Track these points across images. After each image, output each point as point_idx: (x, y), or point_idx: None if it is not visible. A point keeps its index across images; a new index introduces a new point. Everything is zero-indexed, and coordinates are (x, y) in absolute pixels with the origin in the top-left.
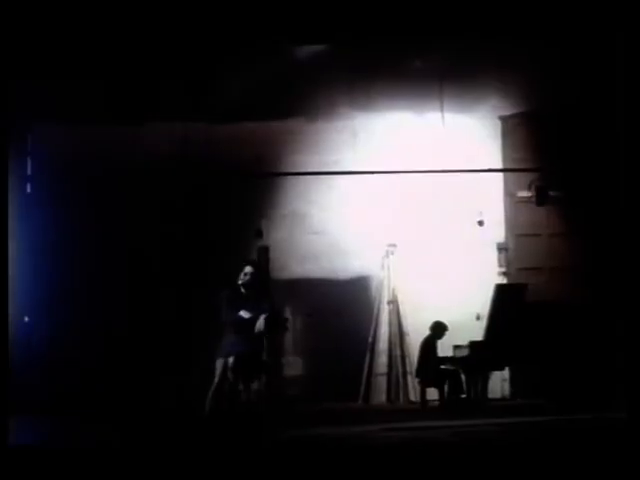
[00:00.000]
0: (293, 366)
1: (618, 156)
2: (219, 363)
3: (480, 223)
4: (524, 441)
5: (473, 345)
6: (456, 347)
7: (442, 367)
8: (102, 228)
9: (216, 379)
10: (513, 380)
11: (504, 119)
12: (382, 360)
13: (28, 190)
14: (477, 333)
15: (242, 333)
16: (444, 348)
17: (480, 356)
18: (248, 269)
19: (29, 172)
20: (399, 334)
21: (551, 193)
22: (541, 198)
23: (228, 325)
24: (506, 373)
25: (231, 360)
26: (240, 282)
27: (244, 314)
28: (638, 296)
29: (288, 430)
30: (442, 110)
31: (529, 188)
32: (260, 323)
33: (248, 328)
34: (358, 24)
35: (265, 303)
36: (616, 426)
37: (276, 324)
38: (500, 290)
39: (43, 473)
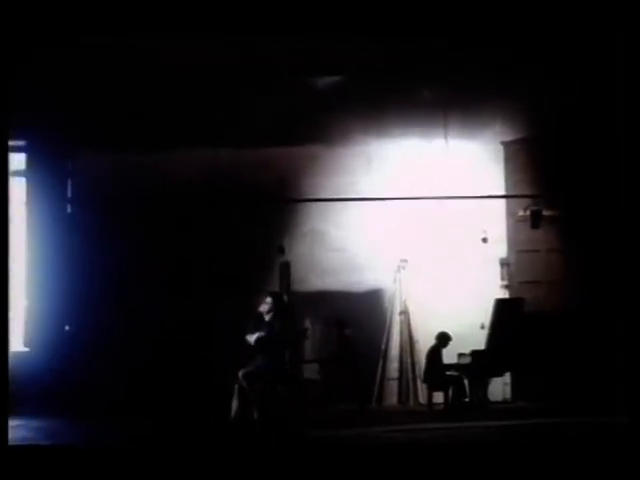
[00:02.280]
0: (313, 372)
1: (613, 177)
2: (244, 376)
3: (484, 240)
4: (524, 443)
5: (475, 354)
6: (460, 355)
7: (447, 373)
8: (136, 245)
9: (239, 388)
10: (514, 384)
11: (506, 144)
12: (394, 366)
13: (68, 210)
14: (482, 341)
15: (263, 351)
16: (450, 355)
17: (481, 363)
18: (268, 299)
19: (69, 194)
20: (409, 342)
21: (549, 213)
22: (535, 221)
23: (251, 345)
24: (507, 377)
25: (250, 373)
26: (260, 309)
27: (257, 335)
28: (635, 304)
29: (309, 431)
30: (446, 137)
31: (525, 211)
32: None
33: (268, 347)
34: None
35: (283, 325)
36: (615, 429)
37: (296, 338)
38: (500, 304)
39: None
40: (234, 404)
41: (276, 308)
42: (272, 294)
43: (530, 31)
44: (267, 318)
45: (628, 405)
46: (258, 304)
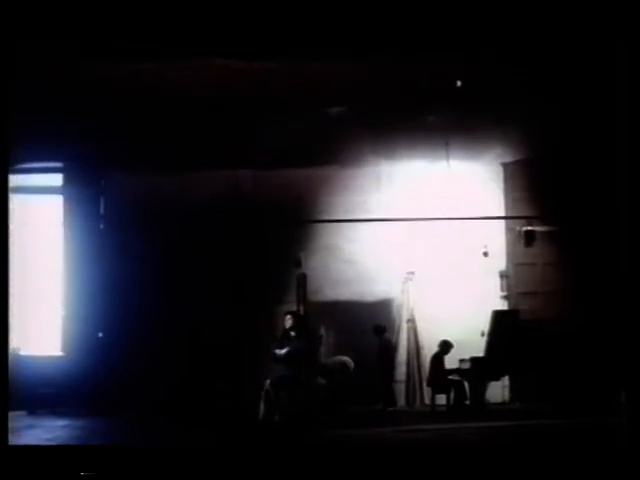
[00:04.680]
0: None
1: (605, 194)
2: (267, 383)
3: (485, 254)
4: (518, 441)
5: (474, 360)
6: (461, 361)
7: (449, 377)
8: (163, 259)
9: (265, 393)
10: (512, 387)
11: (506, 165)
12: (402, 370)
13: (101, 226)
14: (483, 347)
15: (285, 363)
16: (452, 360)
17: (480, 369)
18: (288, 317)
19: (102, 212)
20: (416, 348)
21: (545, 229)
22: (529, 240)
23: (276, 357)
24: (506, 381)
25: (277, 381)
26: (287, 327)
27: (286, 350)
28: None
29: (326, 431)
30: (450, 158)
31: (519, 233)
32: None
33: (289, 359)
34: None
35: (303, 340)
36: (603, 429)
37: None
38: (497, 315)
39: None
40: (261, 408)
41: (298, 325)
42: (292, 312)
43: (529, 51)
44: (292, 334)
45: (628, 405)
46: (278, 313)
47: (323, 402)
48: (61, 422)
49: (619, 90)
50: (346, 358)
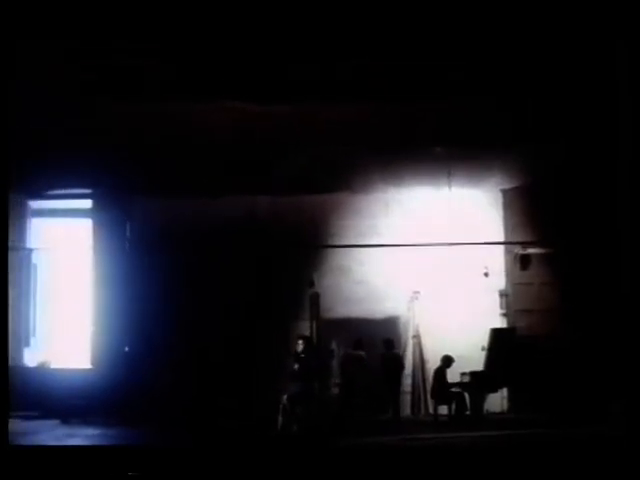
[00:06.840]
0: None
1: (598, 219)
2: (285, 398)
3: (485, 275)
4: (513, 449)
5: (474, 373)
6: (462, 374)
7: (451, 389)
8: (186, 279)
9: (283, 407)
10: (511, 398)
11: (505, 191)
12: (407, 382)
13: (127, 248)
14: (482, 361)
15: (299, 380)
16: (454, 374)
17: (479, 382)
18: (300, 342)
19: (128, 234)
20: (421, 361)
21: (541, 251)
22: (524, 264)
23: (292, 375)
24: (505, 392)
25: (293, 396)
26: (298, 350)
27: (300, 368)
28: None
29: (339, 440)
30: (450, 186)
31: (515, 257)
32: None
33: (303, 377)
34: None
35: (315, 360)
36: (600, 437)
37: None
38: (495, 332)
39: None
40: (279, 421)
41: (308, 347)
42: (303, 337)
43: (527, 85)
44: (302, 355)
45: (626, 417)
46: (293, 330)
47: (335, 414)
48: (95, 431)
49: (621, 118)
50: (362, 352)
